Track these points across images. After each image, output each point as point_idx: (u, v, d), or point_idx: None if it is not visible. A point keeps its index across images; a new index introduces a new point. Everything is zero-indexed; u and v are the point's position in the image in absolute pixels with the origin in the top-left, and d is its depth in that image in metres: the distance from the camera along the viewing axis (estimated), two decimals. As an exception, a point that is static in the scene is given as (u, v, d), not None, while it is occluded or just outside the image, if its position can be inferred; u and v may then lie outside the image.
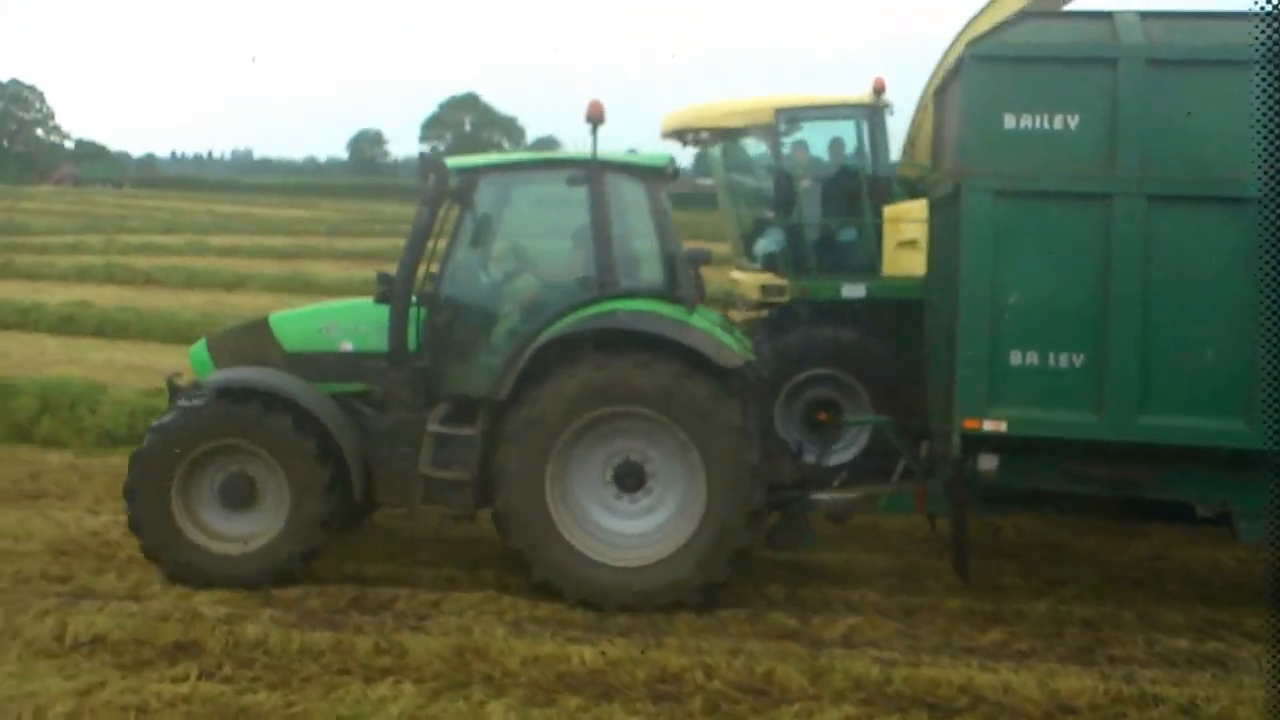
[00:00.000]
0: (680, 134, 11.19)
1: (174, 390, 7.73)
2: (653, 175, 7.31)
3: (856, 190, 10.45)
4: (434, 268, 7.36)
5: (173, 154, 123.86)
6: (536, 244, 8.08)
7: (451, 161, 7.43)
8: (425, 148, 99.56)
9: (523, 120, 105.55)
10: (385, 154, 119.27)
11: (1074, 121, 6.37)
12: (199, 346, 7.94)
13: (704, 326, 7.04)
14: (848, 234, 10.60)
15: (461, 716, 5.30)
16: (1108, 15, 6.64)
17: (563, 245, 7.73)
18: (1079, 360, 6.39)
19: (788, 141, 10.83)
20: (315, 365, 7.49)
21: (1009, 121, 6.40)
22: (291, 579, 7.01)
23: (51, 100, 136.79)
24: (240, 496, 7.13)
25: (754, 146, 11.32)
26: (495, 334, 7.52)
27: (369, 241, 36.74)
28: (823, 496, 7.50)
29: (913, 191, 10.48)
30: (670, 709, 5.46)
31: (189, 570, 7.02)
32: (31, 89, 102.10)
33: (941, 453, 7.08)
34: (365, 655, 5.95)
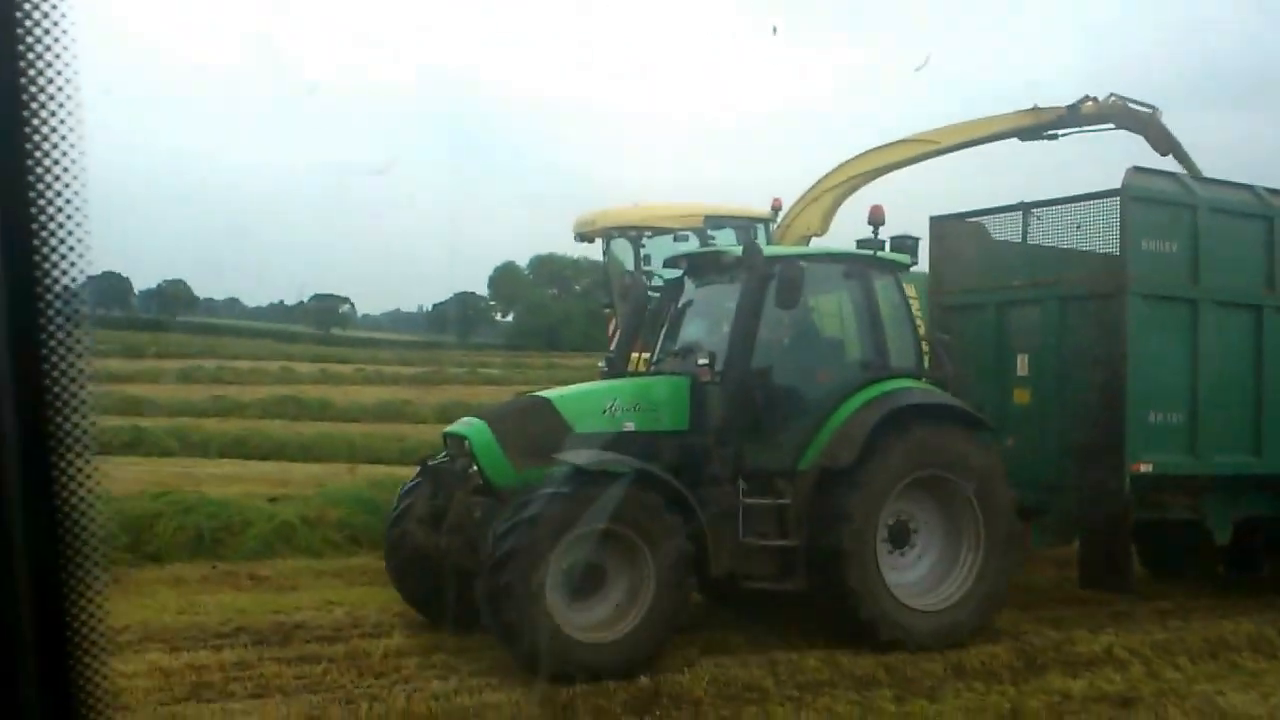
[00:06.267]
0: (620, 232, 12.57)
1: (427, 470, 8.19)
2: (901, 269, 8.79)
3: None
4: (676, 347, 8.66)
5: None
6: (819, 329, 8.98)
7: (768, 250, 8.67)
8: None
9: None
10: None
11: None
12: (479, 427, 7.73)
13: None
14: None
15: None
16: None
17: (837, 331, 8.89)
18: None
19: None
20: (604, 446, 7.56)
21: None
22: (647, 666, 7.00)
23: None
24: (592, 584, 7.12)
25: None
26: (791, 410, 8.18)
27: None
28: None
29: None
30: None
31: (561, 661, 6.76)
32: None
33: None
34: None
